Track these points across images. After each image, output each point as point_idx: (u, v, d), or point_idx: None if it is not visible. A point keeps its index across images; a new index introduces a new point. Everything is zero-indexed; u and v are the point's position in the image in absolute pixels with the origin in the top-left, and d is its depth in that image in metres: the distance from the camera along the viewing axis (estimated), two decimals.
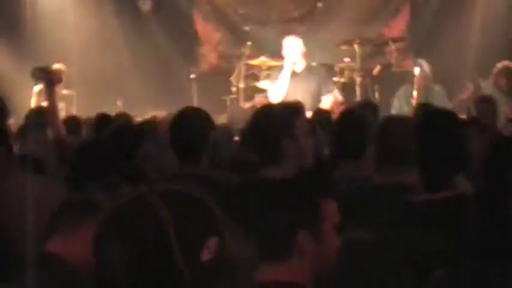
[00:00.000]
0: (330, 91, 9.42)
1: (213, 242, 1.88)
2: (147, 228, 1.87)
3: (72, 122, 7.06)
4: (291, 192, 2.44)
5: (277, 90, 9.21)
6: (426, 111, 4.36)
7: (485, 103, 7.73)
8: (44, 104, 7.03)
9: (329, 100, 9.24)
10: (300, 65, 9.39)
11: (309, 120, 5.07)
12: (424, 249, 2.98)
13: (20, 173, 3.64)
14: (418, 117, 4.53)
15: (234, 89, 11.16)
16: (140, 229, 1.89)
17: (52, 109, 5.44)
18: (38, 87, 9.37)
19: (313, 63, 9.77)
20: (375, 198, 3.43)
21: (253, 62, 11.16)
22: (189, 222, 1.87)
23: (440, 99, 9.44)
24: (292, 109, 3.71)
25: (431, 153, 3.42)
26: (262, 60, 11.13)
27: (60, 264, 2.84)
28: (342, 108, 8.93)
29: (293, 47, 9.42)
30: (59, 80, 5.61)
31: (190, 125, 3.85)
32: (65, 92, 10.01)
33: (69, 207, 3.00)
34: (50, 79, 5.47)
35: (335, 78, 10.45)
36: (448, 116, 3.79)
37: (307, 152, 3.62)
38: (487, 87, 9.53)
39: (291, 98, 7.72)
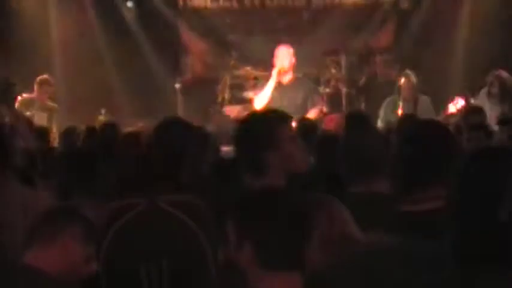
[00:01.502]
0: (316, 104, 9.40)
1: None
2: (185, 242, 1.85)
3: (42, 132, 7.10)
4: (279, 203, 2.41)
5: (261, 99, 9.19)
6: (409, 123, 4.37)
7: (476, 115, 7.71)
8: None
9: (315, 113, 9.21)
10: (288, 76, 9.37)
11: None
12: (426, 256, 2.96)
13: (16, 184, 3.63)
14: (402, 128, 4.53)
15: (219, 99, 11.13)
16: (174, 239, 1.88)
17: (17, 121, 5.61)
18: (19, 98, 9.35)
19: (300, 75, 9.75)
20: (357, 207, 3.40)
21: (239, 72, 11.14)
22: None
23: (426, 109, 9.44)
24: (276, 117, 3.67)
25: (416, 164, 3.39)
26: (247, 70, 11.11)
27: (38, 277, 2.79)
28: (326, 118, 8.93)
29: (284, 57, 9.39)
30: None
31: (172, 135, 3.81)
32: (50, 103, 9.97)
33: (48, 217, 2.96)
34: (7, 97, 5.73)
35: (321, 89, 10.43)
36: (433, 126, 3.76)
37: (295, 160, 3.57)
38: (481, 96, 9.54)
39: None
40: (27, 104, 9.59)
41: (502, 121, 7.55)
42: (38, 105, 9.71)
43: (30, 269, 2.81)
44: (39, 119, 9.39)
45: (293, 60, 9.40)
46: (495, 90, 9.37)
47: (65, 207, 3.05)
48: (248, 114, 3.86)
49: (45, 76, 10.07)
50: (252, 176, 3.49)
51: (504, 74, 9.47)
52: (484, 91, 9.56)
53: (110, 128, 7.01)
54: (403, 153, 3.44)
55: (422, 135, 3.53)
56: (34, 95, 9.84)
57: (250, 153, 3.52)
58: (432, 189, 3.39)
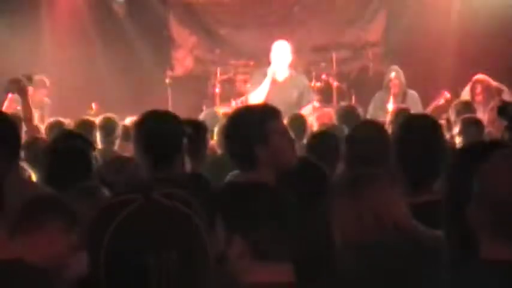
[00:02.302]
0: (310, 101, 9.40)
1: None
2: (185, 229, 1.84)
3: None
4: (265, 195, 2.41)
5: (257, 95, 9.16)
6: (405, 117, 4.39)
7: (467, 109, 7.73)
8: (19, 109, 7.21)
9: (308, 110, 9.19)
10: (283, 74, 9.33)
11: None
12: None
13: (18, 178, 3.62)
14: (396, 123, 4.55)
15: (209, 93, 11.12)
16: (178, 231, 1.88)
17: (27, 114, 5.54)
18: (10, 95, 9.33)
19: (294, 72, 9.71)
20: None
21: (229, 66, 11.14)
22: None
23: (414, 103, 9.47)
24: (265, 111, 3.66)
25: (411, 158, 3.42)
26: (238, 64, 11.11)
27: (21, 268, 2.77)
28: (318, 114, 8.93)
29: (281, 54, 9.34)
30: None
31: (163, 129, 3.79)
32: (46, 99, 9.98)
33: (29, 209, 2.93)
34: (22, 89, 6.14)
35: (311, 83, 10.42)
36: (427, 120, 3.79)
37: (284, 155, 3.56)
38: (465, 96, 9.55)
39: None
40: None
41: (501, 110, 7.55)
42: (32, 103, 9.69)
43: (12, 262, 2.78)
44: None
45: (290, 57, 9.37)
46: (479, 97, 9.34)
47: (46, 198, 3.03)
48: (237, 109, 3.87)
49: (41, 77, 10.07)
50: (242, 170, 3.49)
51: (485, 79, 9.44)
52: (465, 93, 9.54)
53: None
54: (406, 148, 3.49)
55: (416, 130, 3.57)
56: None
57: (240, 147, 3.52)
58: (431, 182, 3.44)
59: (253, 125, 3.51)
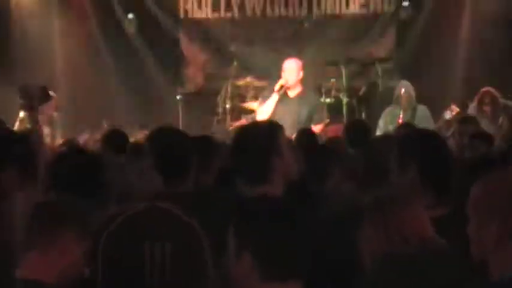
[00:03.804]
0: (322, 120, 9.35)
1: None
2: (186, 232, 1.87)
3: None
4: (278, 212, 2.41)
5: (263, 110, 9.14)
6: (408, 131, 4.41)
7: (468, 124, 7.75)
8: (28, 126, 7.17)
9: (319, 129, 9.11)
10: (295, 90, 9.30)
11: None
12: None
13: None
14: (399, 136, 4.57)
15: (220, 109, 11.14)
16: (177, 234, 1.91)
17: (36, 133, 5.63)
18: (23, 113, 9.37)
19: (309, 90, 9.68)
20: None
21: (240, 82, 11.16)
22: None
23: (424, 119, 9.48)
24: (274, 125, 3.69)
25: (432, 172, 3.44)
26: (248, 80, 11.13)
27: None
28: (327, 129, 8.94)
29: (291, 71, 9.32)
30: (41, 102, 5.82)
31: (175, 144, 3.82)
32: (55, 114, 10.00)
33: (40, 222, 2.90)
34: (30, 103, 5.73)
35: (321, 99, 10.44)
36: (430, 136, 3.82)
37: (293, 168, 3.60)
38: (471, 111, 9.56)
39: (279, 121, 7.64)
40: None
41: None
42: (41, 119, 9.73)
43: (29, 282, 2.77)
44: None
45: (301, 74, 9.34)
46: (487, 108, 9.38)
47: (55, 208, 2.97)
48: (247, 123, 3.89)
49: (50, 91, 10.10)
50: (252, 184, 3.48)
51: (494, 91, 9.48)
52: (472, 107, 9.57)
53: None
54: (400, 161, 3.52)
55: (419, 144, 3.60)
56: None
57: (255, 159, 3.51)
58: (441, 196, 3.45)
59: (268, 138, 3.53)
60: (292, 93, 9.27)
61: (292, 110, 9.06)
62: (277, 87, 9.19)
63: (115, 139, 6.54)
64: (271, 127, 3.65)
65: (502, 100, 9.46)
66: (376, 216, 2.98)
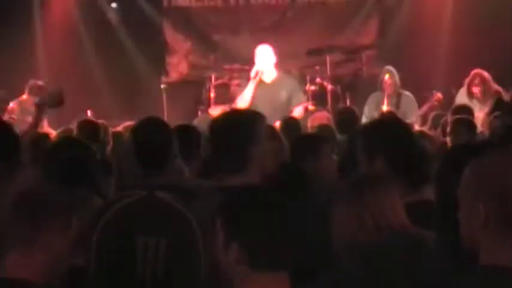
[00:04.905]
0: (301, 102, 9.40)
1: None
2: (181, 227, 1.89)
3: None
4: (266, 201, 2.40)
5: (243, 98, 9.19)
6: (376, 121, 4.44)
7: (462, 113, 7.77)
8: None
9: (300, 111, 9.19)
10: (270, 75, 9.35)
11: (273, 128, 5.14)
12: None
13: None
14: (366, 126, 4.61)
15: (204, 98, 11.13)
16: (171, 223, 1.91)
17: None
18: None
19: (284, 73, 9.75)
20: None
21: (224, 71, 11.16)
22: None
23: (409, 104, 9.51)
24: (254, 114, 3.68)
25: (396, 158, 3.45)
26: (233, 69, 11.13)
27: None
28: (314, 116, 8.96)
29: (264, 57, 9.38)
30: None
31: (154, 134, 3.80)
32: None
33: (22, 214, 2.79)
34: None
35: (306, 86, 10.45)
36: (400, 125, 3.84)
37: (270, 158, 3.59)
38: (461, 95, 9.58)
39: (259, 108, 7.69)
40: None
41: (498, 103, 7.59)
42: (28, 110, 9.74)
43: (15, 282, 2.68)
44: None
45: (274, 58, 9.38)
46: (477, 89, 9.40)
47: (38, 198, 2.82)
48: (224, 112, 3.87)
49: (34, 82, 10.08)
50: (232, 171, 3.47)
51: (485, 73, 9.50)
52: (463, 90, 9.60)
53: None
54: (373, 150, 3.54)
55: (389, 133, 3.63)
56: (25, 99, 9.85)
57: (233, 146, 3.49)
58: (411, 184, 3.47)
59: (245, 125, 3.51)
60: (268, 79, 9.32)
61: (270, 95, 9.10)
62: (253, 73, 9.24)
63: (87, 129, 6.64)
64: (249, 115, 3.63)
65: (494, 85, 9.46)
66: (351, 200, 2.99)
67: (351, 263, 2.90)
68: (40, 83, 10.14)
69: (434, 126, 8.13)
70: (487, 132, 7.27)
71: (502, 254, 2.09)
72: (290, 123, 7.12)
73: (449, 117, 7.50)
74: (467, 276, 2.14)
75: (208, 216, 2.41)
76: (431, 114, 8.80)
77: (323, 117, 8.36)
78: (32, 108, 9.69)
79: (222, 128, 3.58)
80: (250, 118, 3.57)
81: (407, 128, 3.91)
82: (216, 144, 3.61)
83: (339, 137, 6.93)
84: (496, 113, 7.64)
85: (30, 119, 9.50)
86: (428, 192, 3.44)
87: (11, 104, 9.81)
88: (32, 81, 10.04)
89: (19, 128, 8.61)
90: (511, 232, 2.08)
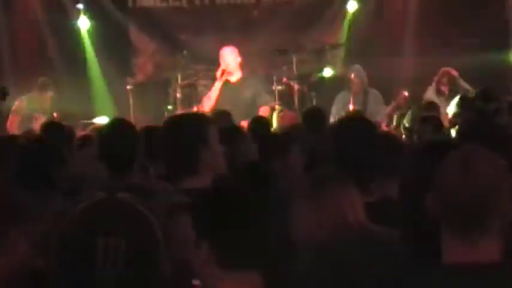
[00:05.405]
0: (267, 102, 9.42)
1: None
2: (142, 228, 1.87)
3: None
4: (234, 200, 2.42)
5: (208, 100, 9.23)
6: (341, 118, 4.48)
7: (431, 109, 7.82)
8: None
9: (266, 111, 9.23)
10: (235, 75, 9.37)
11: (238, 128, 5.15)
12: None
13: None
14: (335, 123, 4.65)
15: (171, 99, 11.08)
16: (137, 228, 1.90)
17: None
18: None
19: (249, 73, 9.77)
20: None
21: (190, 71, 11.13)
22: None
23: (376, 102, 9.55)
24: (202, 116, 3.73)
25: (346, 158, 3.49)
26: (198, 69, 11.11)
27: None
28: (281, 115, 8.99)
29: (228, 58, 9.40)
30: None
31: (120, 136, 3.80)
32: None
33: None
34: None
35: (273, 86, 10.44)
36: (361, 122, 3.87)
37: (221, 160, 3.63)
38: (429, 93, 9.65)
39: (224, 108, 7.72)
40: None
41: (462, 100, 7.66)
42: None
43: None
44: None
45: (238, 59, 9.41)
46: (445, 87, 9.47)
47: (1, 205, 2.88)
48: (173, 115, 3.94)
49: (44, 78, 10.13)
50: (185, 173, 3.51)
51: (453, 71, 9.58)
52: (431, 88, 9.67)
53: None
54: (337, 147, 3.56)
55: (350, 130, 3.65)
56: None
57: (183, 148, 3.53)
58: (379, 180, 3.48)
59: (194, 126, 3.55)
60: (233, 79, 9.38)
61: (235, 95, 9.16)
62: (218, 74, 9.28)
63: (52, 131, 6.62)
64: (199, 118, 3.67)
65: (463, 83, 9.53)
66: (309, 197, 3.00)
67: (307, 259, 2.92)
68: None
69: (399, 125, 8.19)
70: (452, 130, 7.33)
71: (453, 250, 2.11)
72: (259, 122, 7.12)
73: (413, 114, 7.58)
74: (426, 273, 2.14)
75: (163, 214, 2.43)
76: (397, 114, 8.85)
77: (291, 116, 8.38)
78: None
79: (173, 129, 3.63)
80: (198, 120, 3.61)
81: (372, 127, 3.92)
82: (169, 146, 3.65)
83: (307, 136, 6.93)
84: (457, 111, 7.70)
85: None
86: (392, 191, 3.46)
87: None
88: (41, 78, 10.13)
89: None
90: (456, 231, 2.11)
